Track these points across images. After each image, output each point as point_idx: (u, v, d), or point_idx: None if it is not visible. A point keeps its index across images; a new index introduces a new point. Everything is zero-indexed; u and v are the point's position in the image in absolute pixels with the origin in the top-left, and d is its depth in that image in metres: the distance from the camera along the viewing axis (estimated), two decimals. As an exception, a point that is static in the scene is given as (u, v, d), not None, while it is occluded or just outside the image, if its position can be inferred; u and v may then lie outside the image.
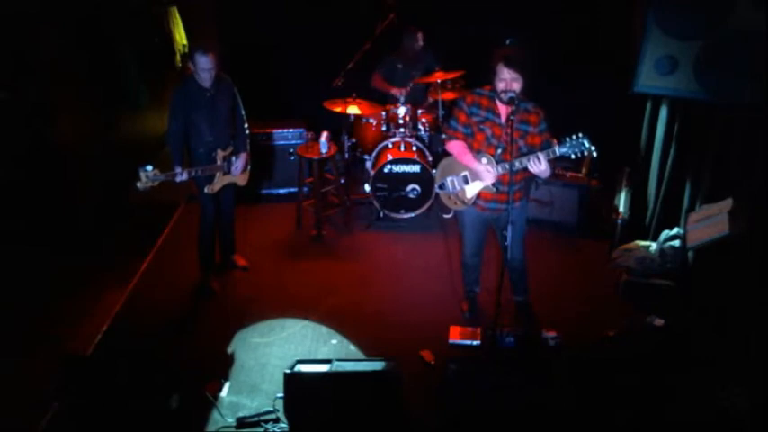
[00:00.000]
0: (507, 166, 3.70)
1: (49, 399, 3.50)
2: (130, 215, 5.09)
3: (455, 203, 4.10)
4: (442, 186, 4.11)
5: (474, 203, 4.00)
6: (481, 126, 3.84)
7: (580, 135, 3.57)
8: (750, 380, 3.47)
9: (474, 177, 3.93)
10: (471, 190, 3.97)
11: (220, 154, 4.43)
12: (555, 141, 3.78)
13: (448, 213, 4.05)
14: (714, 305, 4.15)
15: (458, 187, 4.02)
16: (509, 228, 3.65)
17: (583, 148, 3.56)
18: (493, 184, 3.86)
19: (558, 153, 3.62)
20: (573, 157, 3.62)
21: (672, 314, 4.33)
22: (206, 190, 4.44)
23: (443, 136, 5.96)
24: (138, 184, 4.05)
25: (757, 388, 3.38)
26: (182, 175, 4.22)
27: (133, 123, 5.27)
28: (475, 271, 4.41)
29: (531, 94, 3.80)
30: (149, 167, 4.05)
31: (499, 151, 3.78)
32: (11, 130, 4.11)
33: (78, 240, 4.57)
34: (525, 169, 3.74)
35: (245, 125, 4.63)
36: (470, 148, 3.91)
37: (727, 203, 4.18)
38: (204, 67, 4.14)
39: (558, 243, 5.33)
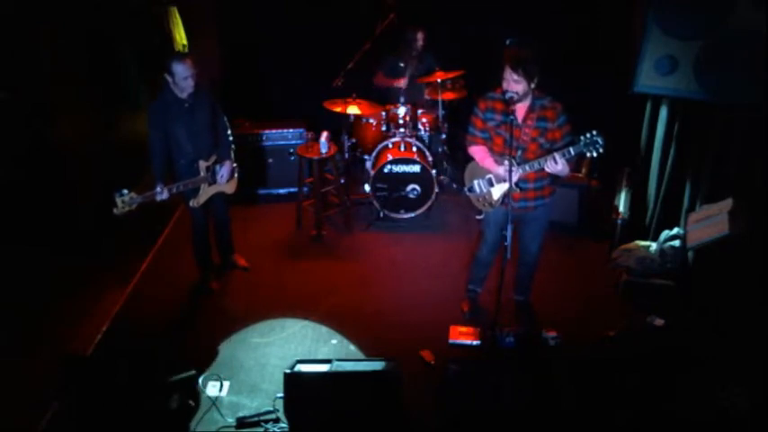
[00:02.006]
0: (528, 168, 3.73)
1: (49, 399, 3.50)
2: (130, 215, 5.08)
3: (484, 205, 4.12)
4: (470, 189, 4.13)
5: (502, 203, 4.00)
6: (498, 130, 3.84)
7: (594, 132, 3.56)
8: (750, 380, 3.47)
9: (498, 180, 3.95)
10: (497, 192, 3.99)
11: (202, 165, 4.32)
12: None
13: (479, 215, 4.10)
14: (714, 305, 4.15)
15: (484, 190, 4.04)
16: (509, 227, 3.65)
17: (597, 145, 3.56)
18: (516, 184, 3.85)
19: (573, 153, 3.62)
20: (588, 155, 3.61)
21: (672, 314, 4.33)
22: (191, 204, 4.35)
23: (443, 136, 6.06)
24: (115, 210, 3.95)
25: (757, 388, 3.39)
26: (162, 194, 4.11)
27: (133, 123, 5.26)
28: (485, 269, 4.41)
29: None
30: (125, 191, 3.95)
31: (519, 152, 3.78)
32: (11, 130, 4.11)
33: (78, 240, 4.56)
34: None
35: (228, 132, 4.52)
36: (492, 151, 3.93)
37: (727, 203, 4.18)
38: (185, 74, 4.03)
39: (558, 243, 5.33)
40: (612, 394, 3.66)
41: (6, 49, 3.84)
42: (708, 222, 4.22)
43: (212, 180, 4.43)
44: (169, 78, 4.07)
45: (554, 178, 3.97)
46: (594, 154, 3.59)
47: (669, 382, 3.67)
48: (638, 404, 3.56)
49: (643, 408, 3.53)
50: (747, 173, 4.20)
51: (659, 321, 4.31)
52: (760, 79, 3.97)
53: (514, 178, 3.79)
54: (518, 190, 3.86)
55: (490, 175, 3.98)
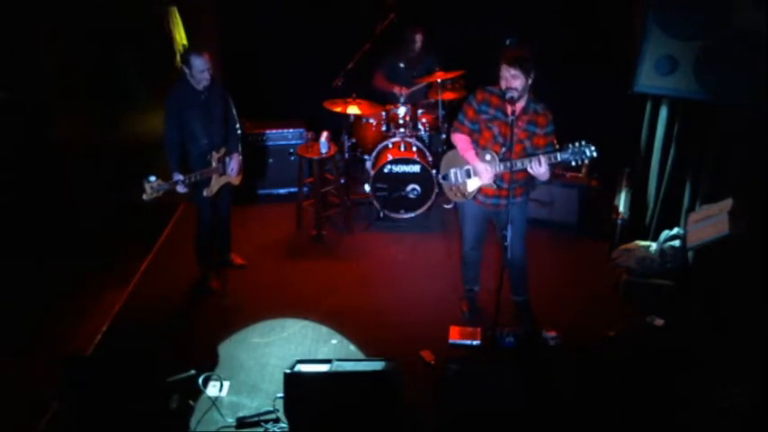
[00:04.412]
0: (511, 165, 3.74)
1: (49, 399, 3.49)
2: (130, 215, 5.09)
3: (456, 195, 4.13)
4: (445, 177, 4.15)
5: (474, 198, 4.02)
6: (489, 124, 3.86)
7: (583, 143, 3.59)
8: (750, 380, 3.47)
9: (476, 172, 3.95)
10: (472, 184, 4.00)
11: (215, 156, 4.44)
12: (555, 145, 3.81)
13: (448, 204, 4.09)
14: (714, 305, 4.15)
15: (460, 180, 4.05)
16: (508, 227, 3.66)
17: (584, 156, 3.59)
18: (494, 181, 3.87)
19: (559, 159, 3.65)
20: (573, 163, 3.65)
21: (672, 314, 4.33)
22: (204, 193, 4.44)
23: (443, 136, 6.06)
24: (144, 196, 4.07)
25: (757, 388, 3.39)
26: (183, 184, 4.24)
27: (133, 123, 5.26)
28: (474, 267, 4.41)
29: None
30: (153, 178, 4.05)
31: (504, 150, 3.79)
32: (11, 130, 4.11)
33: (78, 240, 4.57)
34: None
35: (237, 125, 4.66)
36: (476, 144, 3.94)
37: (727, 203, 4.18)
38: (202, 68, 4.17)
39: (558, 243, 5.33)
40: (612, 394, 3.65)
41: (6, 49, 3.85)
42: (708, 222, 4.22)
43: (223, 171, 4.54)
44: (186, 70, 4.20)
45: (527, 181, 3.97)
46: (580, 162, 3.62)
47: (669, 382, 3.67)
48: (638, 404, 3.55)
49: (643, 408, 3.53)
50: (747, 173, 4.20)
51: (659, 321, 4.31)
52: (760, 79, 3.97)
53: (492, 175, 3.82)
54: (495, 186, 3.88)
55: (469, 167, 3.99)
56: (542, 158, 3.64)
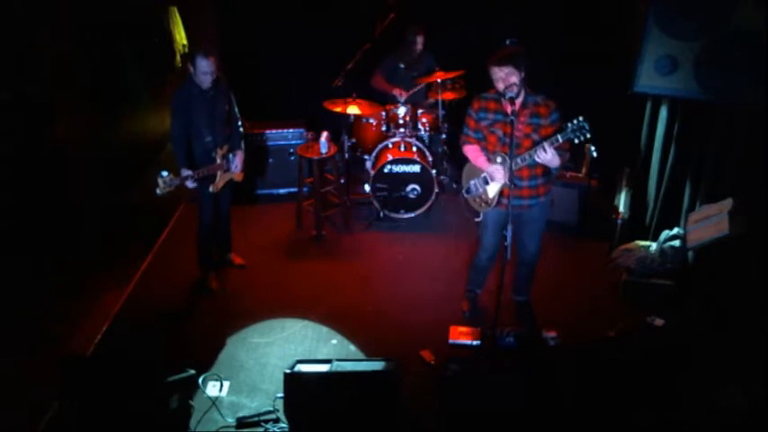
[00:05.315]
0: (519, 161, 3.74)
1: (49, 399, 3.50)
2: (130, 215, 5.09)
3: (480, 206, 4.13)
4: (468, 191, 4.16)
5: (498, 203, 4.01)
6: (491, 129, 3.88)
7: (581, 119, 3.57)
8: (749, 380, 3.47)
9: (491, 176, 3.96)
10: (492, 190, 4.01)
11: (219, 152, 4.48)
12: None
13: (477, 217, 4.07)
14: (714, 305, 4.15)
15: (480, 189, 4.06)
16: (508, 228, 3.66)
17: (585, 131, 3.57)
18: (510, 181, 3.86)
19: (560, 139, 3.62)
20: (576, 141, 3.61)
21: (672, 314, 4.33)
22: (210, 189, 4.49)
23: (443, 136, 6.06)
24: (157, 190, 4.13)
25: (757, 387, 3.39)
26: (192, 179, 4.29)
27: (133, 123, 5.26)
28: (483, 273, 4.42)
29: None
30: (165, 173, 4.12)
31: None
32: (11, 130, 4.11)
33: (78, 240, 4.57)
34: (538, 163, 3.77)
35: (239, 123, 4.71)
36: (485, 150, 3.96)
37: (728, 203, 4.18)
38: (205, 70, 4.20)
39: (558, 243, 5.33)
40: (613, 394, 3.65)
41: (7, 50, 3.85)
42: (708, 222, 4.23)
43: (227, 168, 4.58)
44: (191, 69, 4.24)
45: (548, 177, 3.97)
46: (583, 139, 3.60)
47: (669, 382, 3.67)
48: (637, 404, 3.55)
49: (643, 408, 3.53)
50: (747, 173, 4.20)
51: (659, 321, 4.31)
52: (760, 79, 3.98)
53: (503, 176, 3.82)
54: (512, 186, 3.87)
55: (485, 174, 4.00)
56: (546, 144, 3.63)
